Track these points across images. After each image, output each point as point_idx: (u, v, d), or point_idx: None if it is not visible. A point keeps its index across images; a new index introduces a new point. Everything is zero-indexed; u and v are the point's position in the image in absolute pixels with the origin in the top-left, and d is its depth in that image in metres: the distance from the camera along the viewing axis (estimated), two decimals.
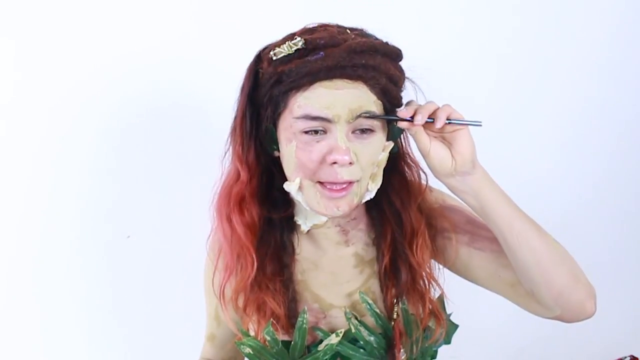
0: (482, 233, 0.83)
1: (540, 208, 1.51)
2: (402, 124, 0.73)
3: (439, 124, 0.71)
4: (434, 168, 0.75)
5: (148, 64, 1.27)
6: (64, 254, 1.30)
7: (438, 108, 0.73)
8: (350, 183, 0.74)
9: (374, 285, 0.86)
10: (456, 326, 0.91)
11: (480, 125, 0.72)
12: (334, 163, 0.72)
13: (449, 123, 0.72)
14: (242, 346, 0.84)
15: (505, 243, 0.76)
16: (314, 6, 1.26)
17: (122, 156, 1.30)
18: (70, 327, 1.33)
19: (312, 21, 0.78)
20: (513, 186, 1.44)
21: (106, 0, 1.23)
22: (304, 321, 0.81)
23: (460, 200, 0.79)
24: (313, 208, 0.77)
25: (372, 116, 0.73)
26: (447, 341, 0.90)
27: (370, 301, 0.83)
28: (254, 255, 0.82)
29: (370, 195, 0.79)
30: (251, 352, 0.84)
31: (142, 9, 1.25)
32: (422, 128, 0.73)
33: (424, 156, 0.75)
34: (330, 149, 0.72)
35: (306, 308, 0.82)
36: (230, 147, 0.82)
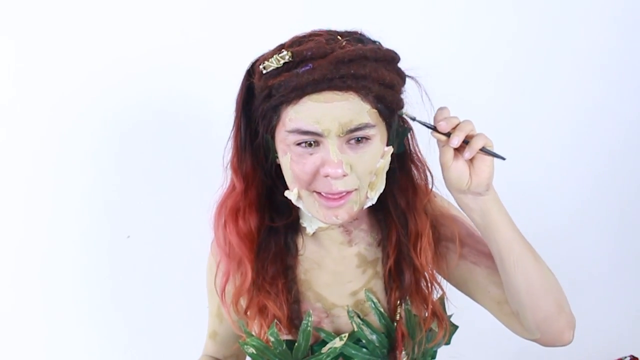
0: (479, 247, 0.85)
1: (541, 208, 1.53)
2: (435, 135, 0.74)
3: (468, 155, 0.72)
4: (450, 182, 0.75)
5: (149, 67, 1.28)
6: (64, 253, 1.31)
7: (474, 135, 0.73)
8: (348, 192, 0.74)
9: (377, 285, 0.87)
10: (456, 327, 0.92)
11: (504, 159, 0.73)
12: (327, 175, 0.72)
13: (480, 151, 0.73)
14: (245, 346, 0.85)
15: (501, 263, 0.78)
16: (314, 11, 1.26)
17: (122, 157, 1.31)
18: (71, 326, 1.34)
19: (313, 26, 0.77)
20: (514, 187, 1.47)
21: (107, 5, 1.24)
22: (309, 324, 0.82)
23: (461, 211, 0.80)
24: (314, 216, 0.78)
25: (415, 120, 0.74)
26: (447, 342, 0.91)
27: (375, 299, 0.84)
28: (251, 264, 0.83)
29: (371, 202, 0.78)
30: (254, 352, 0.84)
31: (143, 14, 1.26)
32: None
33: (443, 169, 0.75)
34: (323, 162, 0.72)
35: (311, 311, 0.83)
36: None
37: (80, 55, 1.25)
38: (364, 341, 0.83)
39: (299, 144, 0.73)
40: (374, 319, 0.85)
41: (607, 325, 1.62)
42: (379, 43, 0.77)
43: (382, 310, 0.84)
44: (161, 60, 1.28)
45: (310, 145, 0.73)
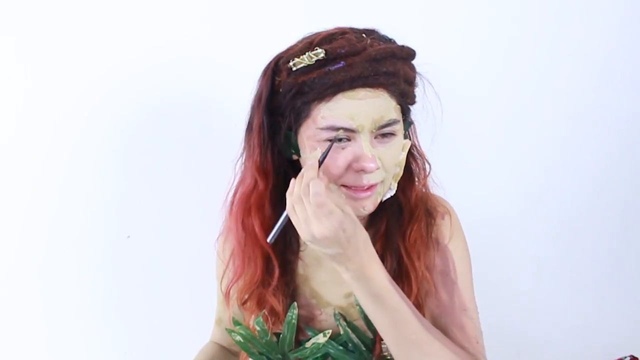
0: (441, 292, 0.83)
1: (543, 206, 1.52)
2: None
3: None
4: None
5: (151, 66, 1.28)
6: (65, 253, 1.32)
7: None
8: (375, 184, 0.76)
9: None
10: None
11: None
12: (361, 170, 0.74)
13: None
14: (233, 333, 0.86)
15: None
16: (320, 5, 1.26)
17: (123, 157, 1.32)
18: (71, 326, 1.35)
19: (317, 20, 0.78)
20: (517, 184, 1.45)
21: (117, 3, 1.24)
22: (293, 316, 0.83)
23: (459, 251, 0.83)
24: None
25: None
26: None
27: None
28: (263, 260, 0.83)
29: (391, 193, 0.80)
30: (241, 340, 0.85)
31: (152, 10, 1.26)
32: None
33: None
34: (357, 157, 0.73)
35: (295, 304, 0.83)
36: (245, 155, 0.83)
37: (83, 56, 1.25)
38: (351, 345, 0.83)
39: (331, 140, 0.74)
40: (362, 323, 0.84)
41: (607, 325, 1.61)
42: (394, 40, 0.78)
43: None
44: (161, 61, 1.28)
45: (340, 140, 0.74)
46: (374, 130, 0.74)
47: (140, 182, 1.33)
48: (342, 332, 0.83)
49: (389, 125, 0.74)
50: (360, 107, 0.72)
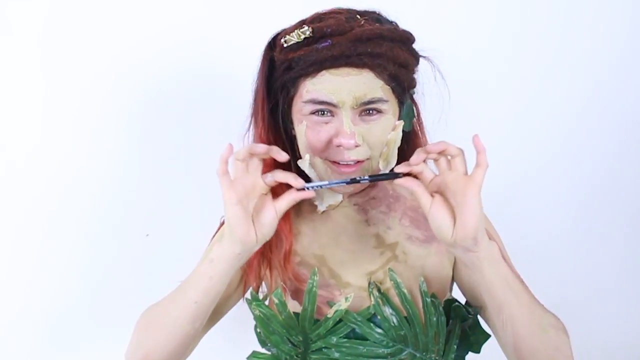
0: None
1: (545, 203, 1.51)
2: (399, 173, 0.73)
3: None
4: (434, 232, 0.71)
5: (164, 65, 1.29)
6: (82, 251, 1.32)
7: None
8: (360, 161, 0.77)
9: (394, 269, 0.84)
10: (488, 336, 0.87)
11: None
12: (339, 145, 0.76)
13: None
14: (253, 304, 0.83)
15: (490, 318, 0.80)
16: None
17: (140, 153, 1.32)
18: (72, 326, 1.35)
19: (327, 2, 0.80)
20: (523, 175, 1.45)
21: None
22: (314, 284, 0.80)
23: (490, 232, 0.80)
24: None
25: (372, 179, 0.74)
26: (477, 350, 0.88)
27: (398, 279, 0.82)
28: (289, 235, 0.85)
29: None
30: (260, 315, 0.82)
31: None
32: (420, 184, 0.71)
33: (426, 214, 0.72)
34: (337, 132, 0.76)
35: (316, 269, 0.81)
36: (252, 129, 0.85)
37: (92, 51, 1.26)
38: (379, 318, 0.80)
39: (314, 113, 0.77)
40: (394, 300, 0.83)
41: (607, 326, 1.60)
42: (396, 24, 0.81)
43: (405, 291, 0.81)
44: (193, 55, 1.29)
45: (323, 114, 0.76)
46: (356, 107, 0.75)
47: (156, 179, 1.34)
48: (372, 302, 0.81)
49: (372, 103, 0.76)
50: (343, 83, 0.74)
